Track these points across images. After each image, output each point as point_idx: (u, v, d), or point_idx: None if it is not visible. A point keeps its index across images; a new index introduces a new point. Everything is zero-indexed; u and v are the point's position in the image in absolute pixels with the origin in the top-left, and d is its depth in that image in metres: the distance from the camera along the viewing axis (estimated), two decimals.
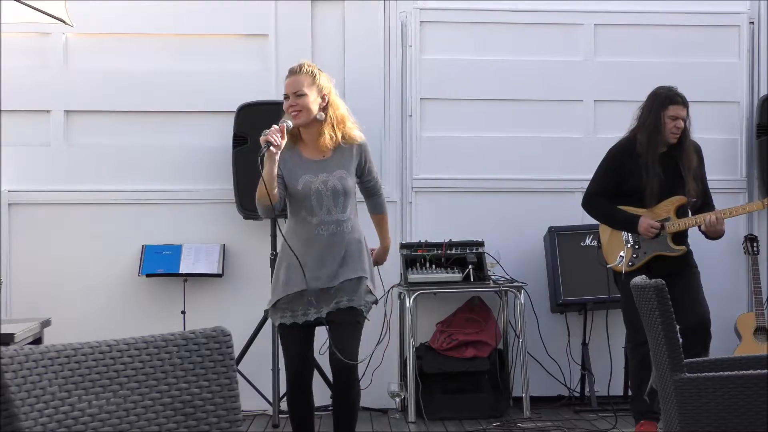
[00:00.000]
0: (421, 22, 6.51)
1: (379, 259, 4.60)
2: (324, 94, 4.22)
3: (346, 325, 4.24)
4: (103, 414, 2.31)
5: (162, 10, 6.37)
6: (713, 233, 5.21)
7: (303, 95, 4.17)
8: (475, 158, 6.53)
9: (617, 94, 6.56)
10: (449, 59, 6.54)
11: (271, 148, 4.01)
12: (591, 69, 6.61)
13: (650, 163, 5.16)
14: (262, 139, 4.04)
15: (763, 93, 6.58)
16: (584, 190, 6.55)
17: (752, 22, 6.67)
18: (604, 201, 5.31)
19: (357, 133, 4.32)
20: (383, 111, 6.49)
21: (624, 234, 5.30)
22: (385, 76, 6.51)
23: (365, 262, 4.30)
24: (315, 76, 4.22)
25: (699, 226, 5.25)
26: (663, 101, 5.21)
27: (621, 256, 5.24)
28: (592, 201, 5.37)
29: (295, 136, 4.22)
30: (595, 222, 6.19)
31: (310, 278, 4.15)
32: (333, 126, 4.24)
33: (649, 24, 6.63)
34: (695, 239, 5.56)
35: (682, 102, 5.22)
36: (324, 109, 4.23)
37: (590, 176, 6.43)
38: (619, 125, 6.46)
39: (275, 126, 4.08)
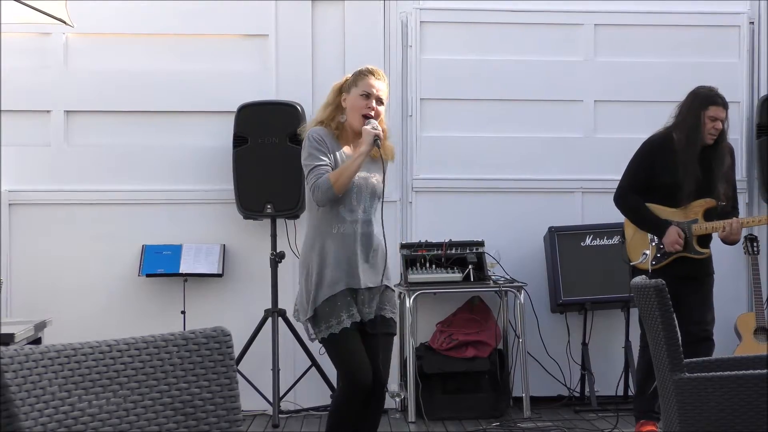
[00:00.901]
0: (421, 22, 6.51)
1: None
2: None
3: (389, 339, 4.16)
4: (103, 414, 2.31)
5: (162, 10, 6.37)
6: (729, 241, 5.18)
7: (382, 104, 4.15)
8: (475, 158, 6.53)
9: (617, 94, 6.57)
10: (449, 59, 6.54)
11: (378, 141, 4.04)
12: (591, 69, 6.61)
13: (689, 163, 5.06)
14: (373, 132, 4.02)
15: (763, 93, 6.58)
16: (584, 190, 6.55)
17: (752, 22, 6.67)
18: (637, 198, 5.19)
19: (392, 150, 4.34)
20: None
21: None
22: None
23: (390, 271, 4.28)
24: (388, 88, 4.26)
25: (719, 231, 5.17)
26: (703, 101, 5.12)
27: (645, 253, 5.01)
28: (624, 196, 5.23)
29: (343, 133, 4.16)
30: (595, 222, 6.22)
31: (357, 275, 4.05)
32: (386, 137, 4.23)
33: (649, 24, 6.63)
34: None
35: (722, 103, 5.13)
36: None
37: (590, 176, 6.47)
38: (619, 125, 6.50)
39: (375, 122, 4.08)
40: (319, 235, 4.10)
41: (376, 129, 4.02)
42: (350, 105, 4.13)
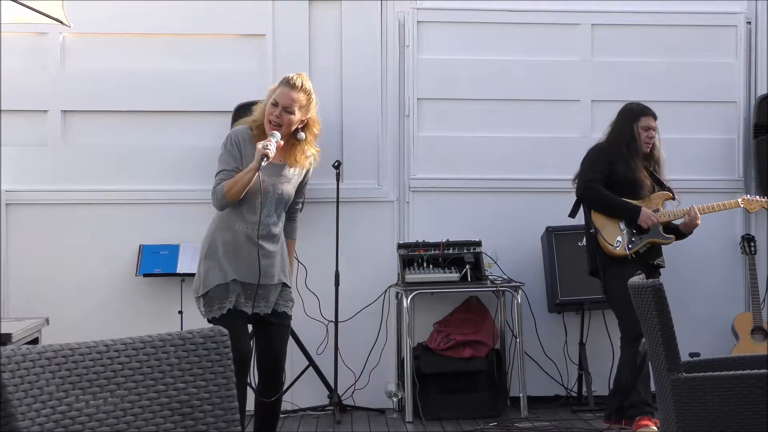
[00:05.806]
0: (418, 21, 6.51)
1: None
2: (306, 118, 4.32)
3: (284, 330, 4.38)
4: (101, 414, 2.31)
5: (160, 10, 6.37)
6: (689, 229, 5.54)
7: (291, 113, 4.26)
8: (472, 158, 6.53)
9: (614, 94, 6.55)
10: (447, 59, 6.54)
11: (265, 160, 4.13)
12: (588, 69, 6.62)
13: (636, 170, 5.47)
14: (262, 151, 4.11)
15: (760, 93, 6.59)
16: None
17: (749, 22, 6.68)
18: (604, 188, 5.47)
19: (313, 159, 4.45)
20: (380, 111, 6.49)
21: (620, 222, 5.47)
22: (383, 75, 6.50)
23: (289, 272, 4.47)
24: (310, 100, 4.32)
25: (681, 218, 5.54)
26: (636, 113, 5.55)
27: (619, 240, 5.41)
28: (591, 188, 5.48)
29: (261, 135, 4.29)
30: None
31: (248, 271, 4.23)
32: (306, 146, 4.38)
33: (646, 24, 6.64)
34: (691, 239, 5.64)
35: (652, 114, 5.55)
36: (300, 129, 4.33)
37: None
38: None
39: (273, 140, 4.16)
40: (223, 227, 4.31)
41: (266, 148, 4.12)
42: (264, 110, 4.30)
